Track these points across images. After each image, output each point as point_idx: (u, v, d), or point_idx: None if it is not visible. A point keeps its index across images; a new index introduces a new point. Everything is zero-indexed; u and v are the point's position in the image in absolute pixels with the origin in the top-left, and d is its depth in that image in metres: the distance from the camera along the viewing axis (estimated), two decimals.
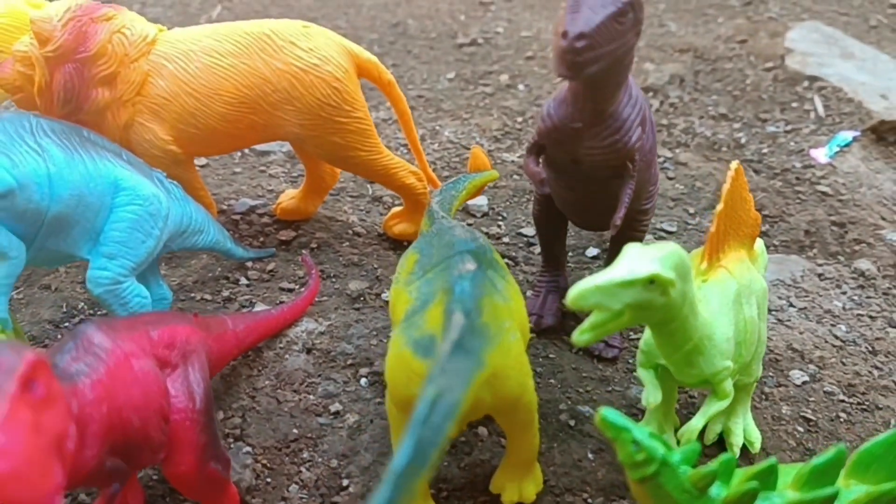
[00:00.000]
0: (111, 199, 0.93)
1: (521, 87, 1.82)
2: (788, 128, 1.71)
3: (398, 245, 1.29)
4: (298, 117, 1.13)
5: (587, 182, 0.95)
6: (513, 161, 1.54)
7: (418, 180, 1.23)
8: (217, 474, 0.79)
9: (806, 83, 1.84)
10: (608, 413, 0.68)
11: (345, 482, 0.91)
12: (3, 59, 1.16)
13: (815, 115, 1.75)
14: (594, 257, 1.31)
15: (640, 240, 1.07)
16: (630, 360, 1.11)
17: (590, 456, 0.96)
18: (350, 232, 1.32)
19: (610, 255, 1.10)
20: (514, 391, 0.79)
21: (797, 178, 1.56)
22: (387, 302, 1.16)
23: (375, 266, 1.23)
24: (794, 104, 1.79)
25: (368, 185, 1.46)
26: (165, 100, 1.12)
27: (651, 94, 1.78)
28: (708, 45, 2.00)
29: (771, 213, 1.45)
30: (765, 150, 1.63)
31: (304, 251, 1.25)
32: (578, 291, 0.70)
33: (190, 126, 1.13)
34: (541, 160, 0.97)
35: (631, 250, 0.73)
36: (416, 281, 0.84)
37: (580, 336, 0.74)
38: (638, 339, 1.13)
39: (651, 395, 0.84)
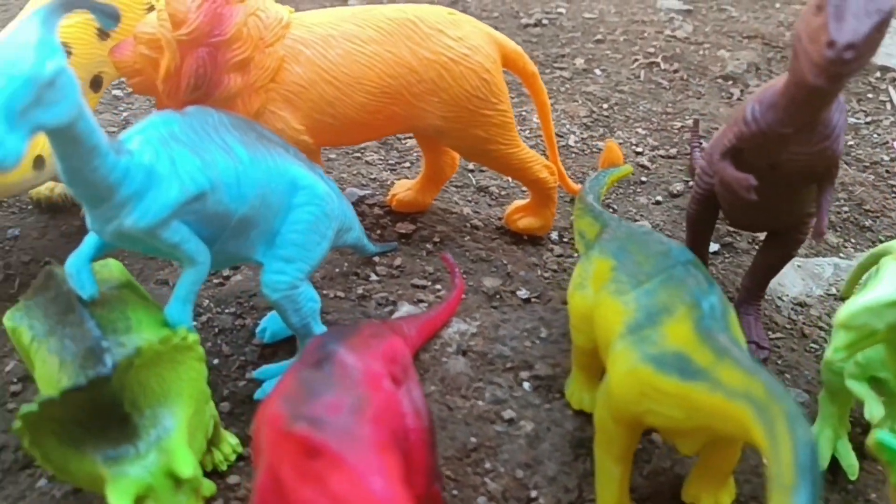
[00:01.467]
0: (289, 199, 0.88)
1: (597, 71, 1.78)
2: (868, 119, 1.71)
3: (520, 239, 1.25)
4: (443, 109, 1.08)
5: (778, 187, 0.92)
6: None
7: (550, 174, 1.19)
8: (439, 495, 0.76)
9: (878, 74, 1.84)
10: (884, 437, 0.67)
11: (533, 493, 0.89)
12: (119, 41, 1.09)
13: (891, 106, 1.75)
14: (714, 252, 1.29)
15: (803, 241, 1.06)
16: (778, 362, 1.09)
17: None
18: (468, 225, 1.28)
19: (764, 255, 1.08)
20: None
21: (887, 172, 1.55)
22: (525, 300, 1.13)
23: (504, 262, 1.20)
24: (870, 95, 1.78)
25: (471, 175, 1.42)
26: (301, 87, 1.06)
27: (731, 82, 1.76)
28: (774, 32, 1.99)
29: (872, 209, 1.44)
30: (850, 143, 1.63)
31: (428, 246, 1.21)
32: (850, 313, 0.69)
33: (326, 115, 1.07)
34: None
35: (894, 268, 0.71)
36: (630, 291, 0.81)
37: (835, 355, 0.72)
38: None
39: (874, 409, 0.82)
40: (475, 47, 1.07)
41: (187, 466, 0.66)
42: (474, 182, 1.40)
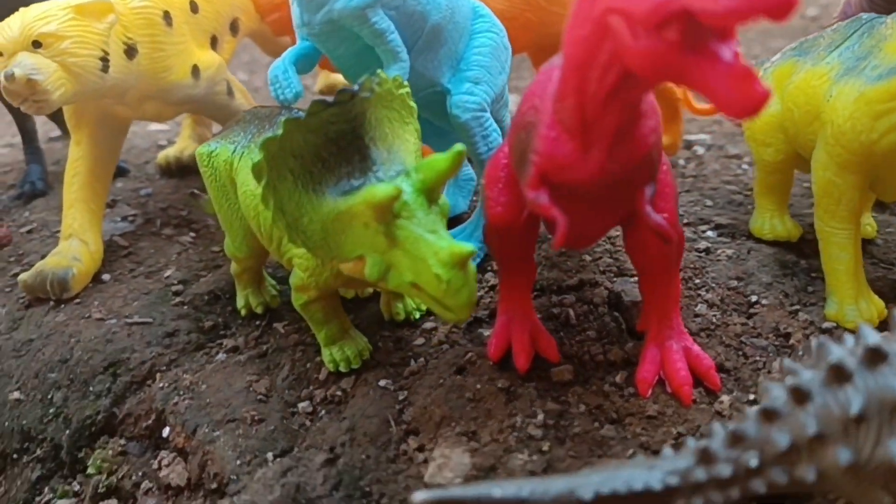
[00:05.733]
0: (471, 25, 0.90)
1: None
2: None
3: None
4: None
5: None
6: None
7: (678, 86, 1.21)
8: (683, 237, 0.72)
9: None
10: None
11: (752, 298, 0.84)
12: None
13: None
14: None
15: None
16: None
17: None
18: None
19: None
20: None
21: None
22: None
23: None
24: None
25: None
26: None
27: None
28: None
29: None
30: None
31: None
32: None
33: None
34: None
35: None
36: (827, 55, 0.82)
37: None
38: None
39: None
40: None
41: (447, 160, 0.63)
42: None
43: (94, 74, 0.87)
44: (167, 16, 0.99)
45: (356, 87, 0.67)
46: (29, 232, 1.15)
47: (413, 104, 0.75)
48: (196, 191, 1.03)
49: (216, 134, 0.87)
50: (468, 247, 0.61)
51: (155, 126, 1.62)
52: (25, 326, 0.95)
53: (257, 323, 0.91)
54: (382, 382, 0.78)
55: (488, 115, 0.89)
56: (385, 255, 0.65)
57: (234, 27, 1.17)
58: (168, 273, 1.01)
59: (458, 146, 0.62)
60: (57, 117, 1.48)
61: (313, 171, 0.68)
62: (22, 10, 0.87)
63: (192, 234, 1.11)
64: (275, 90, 0.82)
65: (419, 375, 0.78)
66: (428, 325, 0.86)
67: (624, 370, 0.76)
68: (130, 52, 0.93)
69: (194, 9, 1.06)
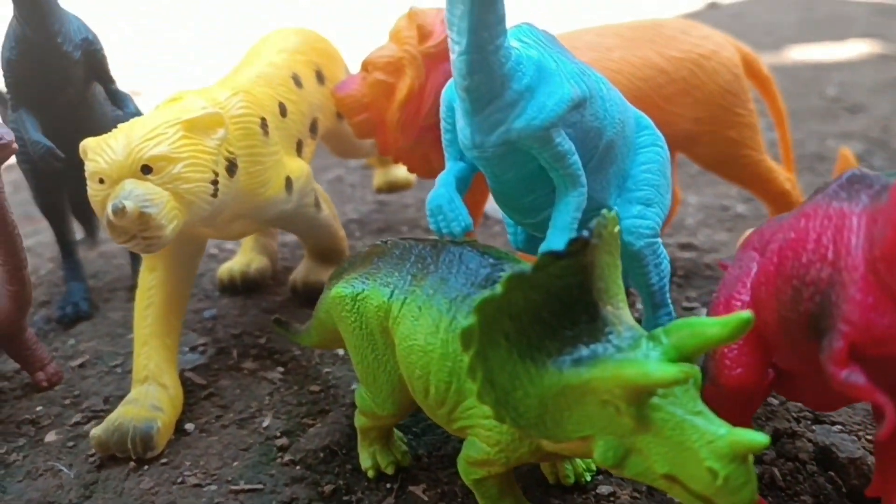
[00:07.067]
0: (636, 138, 0.79)
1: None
2: None
3: None
4: (696, 110, 1.02)
5: None
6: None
7: (793, 188, 1.12)
8: None
9: None
10: None
11: None
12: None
13: None
14: None
15: None
16: None
17: None
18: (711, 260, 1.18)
19: None
20: None
21: None
22: None
23: None
24: None
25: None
26: None
27: None
28: None
29: None
30: None
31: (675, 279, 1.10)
32: None
33: None
34: None
35: None
36: None
37: None
38: None
39: None
40: (721, 44, 1.04)
41: (721, 328, 0.51)
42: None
43: (205, 201, 0.74)
44: (264, 123, 0.87)
45: (586, 233, 0.55)
46: (81, 366, 0.99)
47: (619, 243, 0.63)
48: (281, 317, 0.89)
49: (353, 270, 0.74)
50: (757, 437, 0.49)
51: None
52: (101, 494, 0.79)
53: (388, 486, 0.77)
54: None
55: (660, 241, 0.77)
56: (627, 439, 0.52)
57: (313, 128, 1.05)
58: (266, 422, 0.86)
59: (747, 314, 0.50)
60: (83, 215, 1.23)
61: (531, 336, 0.55)
62: (122, 126, 0.74)
63: (281, 368, 0.96)
64: (437, 222, 0.69)
65: None
66: (603, 489, 0.73)
67: None
68: (231, 168, 0.80)
69: (283, 112, 0.94)
